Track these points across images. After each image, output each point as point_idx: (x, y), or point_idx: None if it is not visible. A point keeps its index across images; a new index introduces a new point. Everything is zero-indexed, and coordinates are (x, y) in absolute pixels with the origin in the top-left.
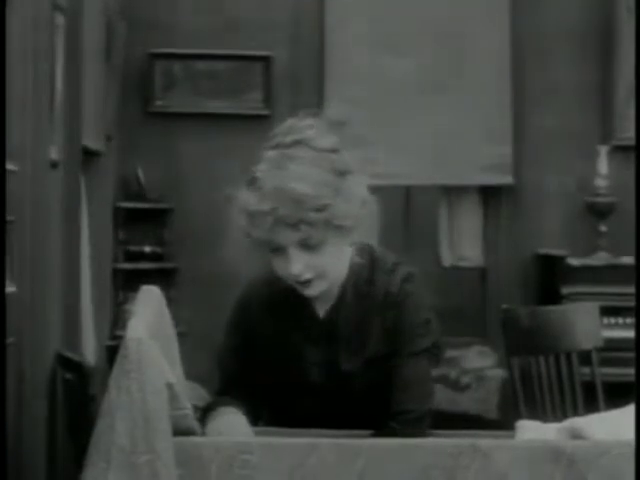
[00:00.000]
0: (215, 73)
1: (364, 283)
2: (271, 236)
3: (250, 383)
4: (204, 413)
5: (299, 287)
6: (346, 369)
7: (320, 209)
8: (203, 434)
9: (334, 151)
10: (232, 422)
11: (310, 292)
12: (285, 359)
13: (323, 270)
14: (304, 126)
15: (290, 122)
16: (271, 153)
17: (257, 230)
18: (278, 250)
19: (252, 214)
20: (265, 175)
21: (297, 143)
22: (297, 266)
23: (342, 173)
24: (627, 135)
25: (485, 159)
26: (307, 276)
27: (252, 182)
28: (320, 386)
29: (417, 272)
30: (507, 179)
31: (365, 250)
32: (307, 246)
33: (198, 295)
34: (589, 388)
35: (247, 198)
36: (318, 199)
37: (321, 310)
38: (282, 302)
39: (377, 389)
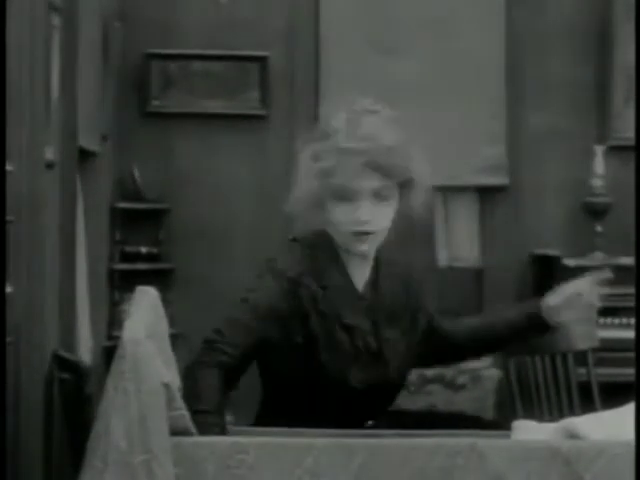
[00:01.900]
0: (212, 73)
1: (388, 262)
2: (355, 178)
3: (248, 363)
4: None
5: (354, 240)
6: (387, 337)
7: (406, 159)
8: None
9: (395, 121)
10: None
11: (363, 247)
12: (333, 331)
13: (383, 227)
14: (368, 102)
15: (358, 100)
16: (345, 114)
17: (344, 170)
18: (349, 197)
19: (345, 152)
20: (350, 125)
21: (368, 112)
22: (367, 214)
23: (408, 139)
24: (623, 135)
25: (481, 160)
26: (372, 227)
27: (324, 136)
28: (369, 354)
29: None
30: (503, 180)
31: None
32: (380, 197)
33: (194, 296)
34: (585, 388)
35: (337, 137)
36: (405, 149)
37: (359, 285)
38: (323, 275)
39: (408, 356)
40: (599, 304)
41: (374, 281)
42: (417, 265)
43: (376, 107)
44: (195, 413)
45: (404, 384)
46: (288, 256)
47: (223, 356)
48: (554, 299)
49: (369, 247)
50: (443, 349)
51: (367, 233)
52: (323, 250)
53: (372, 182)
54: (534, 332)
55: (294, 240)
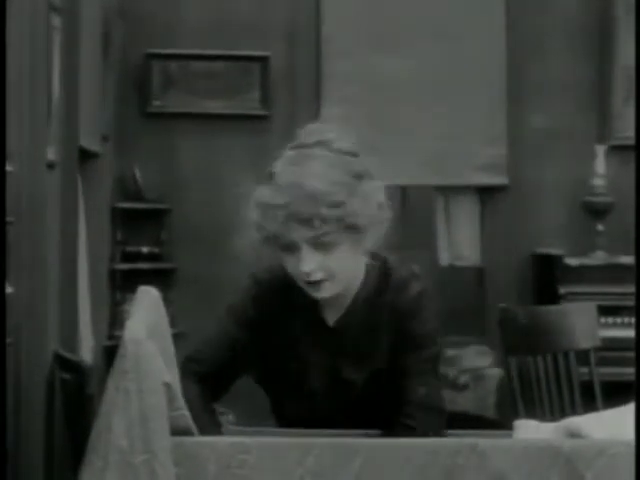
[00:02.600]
0: (212, 73)
1: (376, 295)
2: (284, 231)
3: (232, 376)
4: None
5: (309, 289)
6: (349, 378)
7: (334, 205)
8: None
9: (353, 154)
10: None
11: (319, 294)
12: (289, 361)
13: (335, 272)
14: (326, 129)
15: (314, 125)
16: (291, 152)
17: (270, 224)
18: (290, 248)
19: (265, 207)
20: (282, 171)
21: (318, 144)
22: (308, 264)
23: (359, 176)
24: (624, 135)
25: (481, 159)
26: (318, 276)
27: (269, 177)
28: (321, 392)
29: (428, 286)
30: (502, 179)
31: (379, 261)
32: (320, 245)
33: (196, 295)
34: (587, 387)
35: (262, 191)
36: (332, 196)
37: (331, 318)
38: (294, 304)
39: (377, 401)
40: None
41: (348, 317)
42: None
43: (326, 137)
44: None
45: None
46: (271, 269)
47: (201, 369)
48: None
49: (327, 292)
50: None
51: (317, 282)
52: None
53: (303, 233)
54: None
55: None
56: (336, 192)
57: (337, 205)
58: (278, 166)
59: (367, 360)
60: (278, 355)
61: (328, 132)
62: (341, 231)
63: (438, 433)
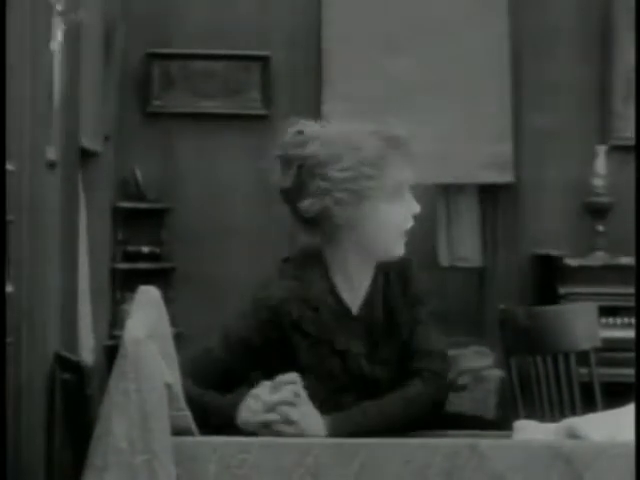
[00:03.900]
0: (213, 73)
1: (384, 284)
2: (401, 172)
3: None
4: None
5: (400, 242)
6: (384, 358)
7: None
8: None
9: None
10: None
11: (401, 249)
12: (324, 356)
13: None
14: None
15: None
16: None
17: (394, 164)
18: (401, 194)
19: (393, 145)
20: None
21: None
22: (416, 205)
23: None
24: (625, 135)
25: (485, 157)
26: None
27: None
28: (362, 378)
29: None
30: (507, 177)
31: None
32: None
33: (196, 295)
34: (587, 388)
35: (389, 123)
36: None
37: (354, 306)
38: (312, 299)
39: (404, 374)
40: None
41: (371, 300)
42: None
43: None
44: None
45: None
46: (274, 282)
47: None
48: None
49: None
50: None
51: (405, 233)
52: (314, 272)
53: (411, 171)
54: None
55: (286, 260)
56: None
57: None
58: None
59: (394, 337)
60: (307, 355)
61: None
62: None
63: (443, 376)
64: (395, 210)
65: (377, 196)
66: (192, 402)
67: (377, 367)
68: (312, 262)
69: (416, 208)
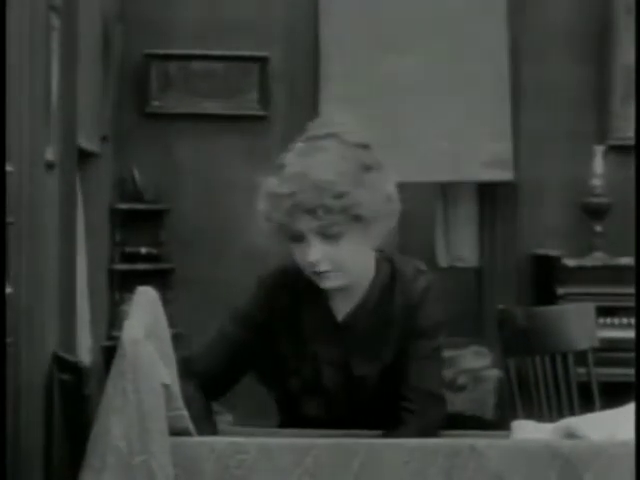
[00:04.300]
0: (211, 74)
1: (385, 292)
2: (290, 221)
3: (231, 380)
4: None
5: (316, 278)
6: (360, 374)
7: (338, 196)
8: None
9: (364, 147)
10: None
11: (326, 284)
12: (300, 360)
13: (342, 264)
14: (337, 122)
15: (325, 118)
16: (301, 144)
17: (277, 213)
18: (297, 238)
19: (272, 197)
20: (290, 161)
21: (328, 135)
22: (314, 254)
23: (368, 167)
24: (623, 135)
25: (485, 156)
26: (324, 267)
27: (278, 168)
28: (333, 389)
29: (434, 278)
30: (507, 175)
31: (386, 259)
32: (326, 236)
33: (194, 296)
34: (585, 388)
35: (270, 181)
36: (337, 185)
37: (340, 314)
38: (301, 303)
39: (387, 396)
40: None
41: (357, 313)
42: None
43: (337, 129)
44: None
45: (379, 419)
46: (277, 269)
47: (200, 370)
48: None
49: (334, 283)
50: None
51: (324, 272)
52: (305, 278)
53: (310, 222)
54: None
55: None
56: (341, 182)
57: (341, 195)
58: (287, 157)
59: (377, 356)
60: (288, 355)
61: (339, 125)
62: (347, 222)
63: (436, 420)
64: (298, 253)
65: (283, 237)
66: (190, 409)
67: (352, 380)
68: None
69: (313, 257)
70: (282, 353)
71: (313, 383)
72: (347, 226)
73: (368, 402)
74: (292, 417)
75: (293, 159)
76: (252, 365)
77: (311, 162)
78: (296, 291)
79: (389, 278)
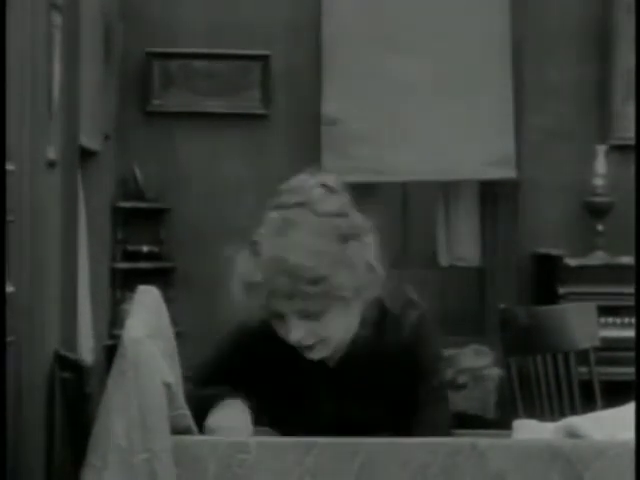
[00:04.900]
0: (213, 72)
1: (374, 332)
2: (268, 304)
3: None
4: (204, 401)
5: (302, 351)
6: (357, 420)
7: (316, 281)
8: (200, 430)
9: (339, 215)
10: (235, 417)
11: (313, 356)
12: (292, 409)
13: (326, 337)
14: (310, 186)
15: (297, 180)
16: (273, 215)
17: (253, 300)
18: (277, 317)
19: (248, 285)
20: (263, 241)
21: (300, 205)
22: (296, 334)
23: (345, 239)
24: (625, 135)
25: (488, 154)
26: (308, 342)
27: (252, 246)
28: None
29: (426, 309)
30: (510, 173)
31: (374, 303)
32: (307, 314)
33: (196, 295)
34: (586, 387)
35: (244, 267)
36: (314, 271)
37: (331, 360)
38: (290, 351)
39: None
40: None
41: (348, 359)
42: (417, 268)
43: (309, 198)
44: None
45: None
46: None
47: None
48: None
49: (320, 354)
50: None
51: (309, 346)
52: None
53: (288, 305)
54: None
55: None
56: (318, 266)
57: (319, 281)
58: (261, 235)
59: (373, 398)
60: (280, 405)
61: (312, 189)
62: (328, 302)
63: None
64: (282, 327)
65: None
66: (190, 403)
67: (349, 427)
68: None
69: (293, 336)
70: (273, 404)
71: (307, 431)
72: (328, 305)
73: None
74: None
75: (267, 239)
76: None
77: (285, 244)
78: (281, 346)
79: (378, 317)
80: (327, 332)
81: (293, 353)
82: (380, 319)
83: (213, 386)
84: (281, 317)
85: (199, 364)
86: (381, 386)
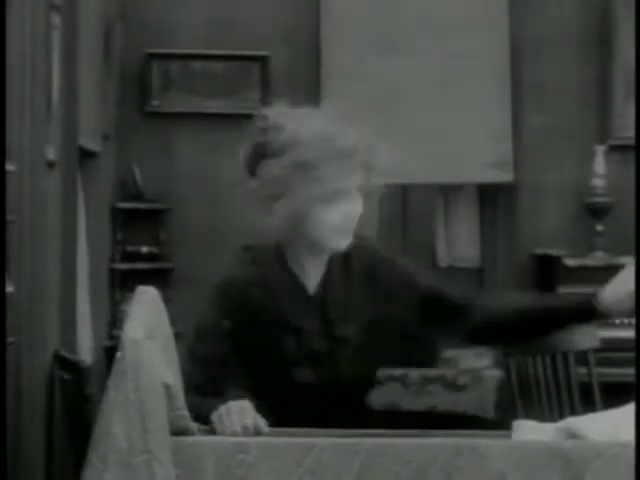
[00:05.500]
0: (212, 73)
1: (345, 256)
2: (345, 179)
3: (240, 371)
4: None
5: (338, 239)
6: (341, 336)
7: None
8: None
9: None
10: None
11: (343, 244)
12: (282, 336)
13: (355, 224)
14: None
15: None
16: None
17: (333, 173)
18: (339, 198)
19: (339, 154)
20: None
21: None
22: (358, 210)
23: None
24: (624, 135)
25: (485, 157)
26: (352, 225)
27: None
28: (317, 354)
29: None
30: (507, 177)
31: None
32: (360, 195)
33: (194, 295)
34: (586, 388)
35: (319, 144)
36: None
37: (310, 287)
38: (271, 283)
39: (372, 356)
40: None
41: (326, 280)
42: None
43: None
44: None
45: (372, 377)
46: (233, 267)
47: (198, 389)
48: (614, 290)
49: (348, 243)
50: (473, 324)
51: (348, 230)
52: (270, 256)
53: (357, 180)
54: (581, 321)
55: (247, 248)
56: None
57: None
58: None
59: (354, 316)
60: (270, 338)
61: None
62: (369, 187)
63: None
64: (330, 211)
65: (307, 198)
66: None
67: (335, 344)
68: (271, 249)
69: (357, 211)
70: (262, 340)
71: (300, 353)
72: (365, 190)
73: (353, 363)
74: (284, 405)
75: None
76: (232, 373)
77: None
78: (264, 279)
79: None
80: (358, 216)
81: (276, 293)
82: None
83: (214, 341)
84: (339, 198)
85: (197, 322)
86: (362, 304)
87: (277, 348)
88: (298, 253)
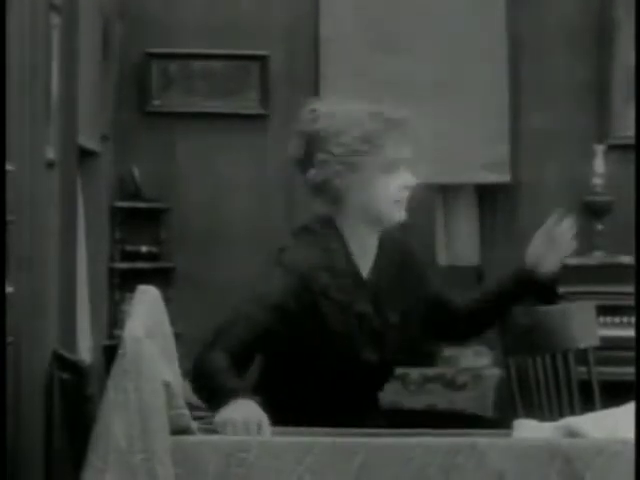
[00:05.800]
0: (212, 73)
1: (389, 241)
2: (402, 149)
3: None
4: (219, 387)
5: (397, 210)
6: (392, 320)
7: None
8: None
9: None
10: (248, 409)
11: (403, 215)
12: (342, 318)
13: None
14: None
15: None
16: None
17: (393, 142)
18: (396, 168)
19: (395, 123)
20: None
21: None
22: (413, 178)
23: None
24: (624, 134)
25: (483, 158)
26: (406, 195)
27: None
28: (376, 336)
29: None
30: (504, 177)
31: None
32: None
33: (195, 295)
34: (585, 387)
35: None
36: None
37: (364, 272)
38: (334, 266)
39: (410, 337)
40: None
41: (377, 267)
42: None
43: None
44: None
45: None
46: (297, 248)
47: (231, 345)
48: (532, 249)
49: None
50: (451, 323)
51: (401, 201)
52: (331, 239)
53: (410, 150)
54: (527, 291)
55: (304, 229)
56: None
57: None
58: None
59: (399, 301)
60: (330, 319)
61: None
62: None
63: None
64: (390, 182)
65: (372, 169)
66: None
67: (387, 328)
68: (327, 230)
69: (412, 180)
70: (323, 322)
71: (362, 335)
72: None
73: (398, 345)
74: (338, 387)
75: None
76: (273, 348)
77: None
78: (325, 264)
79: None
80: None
81: (334, 277)
82: (388, 240)
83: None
84: (393, 169)
85: (262, 292)
86: (401, 290)
87: (340, 330)
88: (355, 234)
